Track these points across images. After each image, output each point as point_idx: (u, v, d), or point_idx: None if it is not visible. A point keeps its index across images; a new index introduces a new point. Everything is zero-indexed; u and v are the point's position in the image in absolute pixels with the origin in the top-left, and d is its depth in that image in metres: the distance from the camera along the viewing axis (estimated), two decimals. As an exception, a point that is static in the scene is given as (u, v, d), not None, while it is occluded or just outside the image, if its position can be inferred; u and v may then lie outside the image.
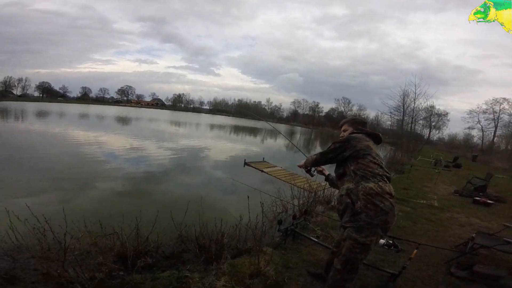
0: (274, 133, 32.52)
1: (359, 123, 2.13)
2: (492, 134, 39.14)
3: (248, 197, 2.79)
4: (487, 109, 39.01)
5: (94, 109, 46.74)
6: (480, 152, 30.53)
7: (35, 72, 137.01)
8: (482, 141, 40.44)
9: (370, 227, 1.69)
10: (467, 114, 40.68)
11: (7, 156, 8.69)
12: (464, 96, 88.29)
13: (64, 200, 5.27)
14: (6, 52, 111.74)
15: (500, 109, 38.04)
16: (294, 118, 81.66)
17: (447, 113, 42.28)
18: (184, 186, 7.43)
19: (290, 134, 37.95)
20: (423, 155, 20.03)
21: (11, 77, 79.38)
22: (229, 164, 11.39)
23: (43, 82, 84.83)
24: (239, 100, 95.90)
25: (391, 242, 2.70)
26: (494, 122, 38.64)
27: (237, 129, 34.93)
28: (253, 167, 10.22)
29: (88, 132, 16.99)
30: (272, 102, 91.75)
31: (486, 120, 39.47)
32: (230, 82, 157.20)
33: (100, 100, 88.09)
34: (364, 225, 1.70)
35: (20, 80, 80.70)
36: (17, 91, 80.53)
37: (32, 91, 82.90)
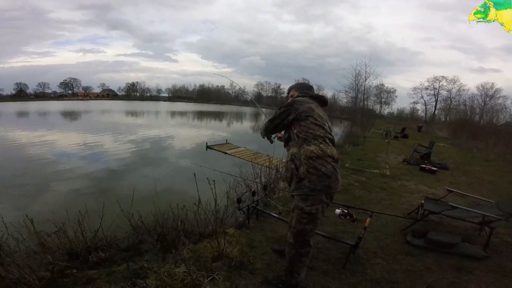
0: (239, 116, 32.11)
1: (304, 87, 2.10)
2: (433, 107, 44.70)
3: (194, 174, 2.65)
4: (428, 86, 44.78)
5: (33, 106, 41.57)
6: (424, 123, 34.13)
7: None
8: (425, 113, 45.83)
9: (314, 194, 1.64)
10: (412, 90, 46.30)
11: None
12: (408, 75, 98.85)
13: (15, 207, 4.97)
14: None
15: (439, 86, 43.67)
16: (258, 100, 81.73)
17: (394, 90, 47.31)
18: (144, 178, 7.14)
19: (256, 116, 37.92)
20: (376, 128, 21.57)
21: None
22: (192, 151, 11.03)
23: None
24: (200, 85, 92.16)
25: (346, 211, 2.71)
26: (435, 97, 44.49)
27: (200, 115, 33.77)
28: (216, 150, 9.97)
29: (30, 131, 15.07)
30: (235, 86, 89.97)
31: (428, 95, 45.30)
32: (190, 67, 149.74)
33: (40, 96, 76.88)
34: (308, 192, 1.65)
35: None
36: None
37: None
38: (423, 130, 25.89)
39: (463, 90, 40.61)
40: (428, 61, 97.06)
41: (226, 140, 11.49)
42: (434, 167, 6.91)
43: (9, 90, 75.98)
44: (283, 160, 5.56)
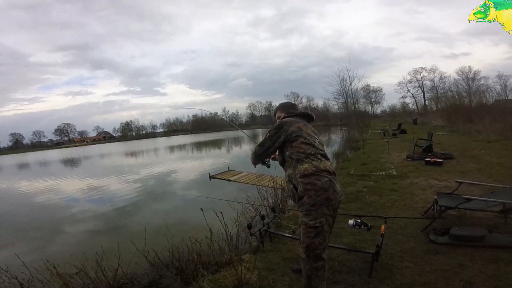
0: (237, 141, 32.34)
1: (288, 107, 2.15)
2: (423, 98, 45.55)
3: (202, 209, 2.74)
4: (411, 79, 46.09)
5: (32, 157, 42.37)
6: (418, 115, 34.49)
7: None
8: (416, 106, 46.53)
9: (315, 209, 1.67)
10: (397, 86, 47.57)
11: None
12: (389, 71, 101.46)
13: (33, 249, 5.21)
14: None
15: (421, 77, 45.01)
16: (253, 121, 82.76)
17: (381, 89, 48.39)
18: (153, 214, 7.16)
19: (253, 137, 38.05)
20: (373, 128, 21.73)
21: None
22: (197, 182, 10.95)
23: None
24: (193, 115, 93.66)
25: (358, 221, 2.64)
26: (421, 89, 45.62)
27: (198, 145, 33.91)
28: (219, 178, 9.89)
29: (34, 181, 15.41)
30: (228, 111, 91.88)
31: (414, 88, 46.58)
32: (180, 99, 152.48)
33: (37, 145, 77.96)
34: (309, 208, 1.68)
35: None
36: None
37: None
38: (419, 122, 26.14)
39: (445, 77, 41.80)
40: (402, 55, 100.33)
41: (228, 167, 11.47)
42: (439, 158, 6.84)
43: (5, 141, 78.15)
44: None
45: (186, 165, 17.16)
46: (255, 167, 2.18)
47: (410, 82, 46.40)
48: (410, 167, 6.61)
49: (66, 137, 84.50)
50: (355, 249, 2.58)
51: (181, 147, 34.67)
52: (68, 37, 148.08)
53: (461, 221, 3.08)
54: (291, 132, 1.83)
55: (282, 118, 2.03)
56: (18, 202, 10.34)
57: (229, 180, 9.40)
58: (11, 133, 79.02)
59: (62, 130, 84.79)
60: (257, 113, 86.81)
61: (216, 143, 34.38)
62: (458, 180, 3.52)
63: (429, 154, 7.66)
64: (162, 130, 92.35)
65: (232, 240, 3.01)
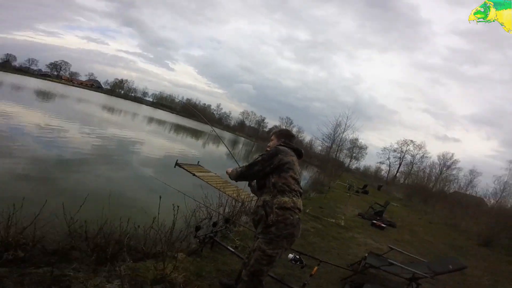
0: (217, 140, 32.11)
1: (287, 136, 2.17)
2: (396, 169, 48.57)
3: (160, 197, 2.50)
4: (396, 148, 49.22)
5: (11, 78, 38.56)
6: (385, 183, 36.71)
7: None
8: (388, 174, 49.50)
9: (278, 240, 1.75)
10: (381, 151, 50.50)
11: None
12: (381, 133, 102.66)
13: None
14: None
15: (406, 150, 48.10)
16: (240, 128, 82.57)
17: (366, 147, 50.85)
18: (99, 178, 6.61)
19: (233, 143, 38.11)
20: (341, 180, 22.71)
21: None
22: (159, 163, 10.66)
23: None
24: (187, 99, 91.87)
25: (298, 257, 2.89)
26: (399, 160, 48.76)
27: (178, 128, 33.13)
28: (185, 169, 9.78)
29: None
30: (222, 108, 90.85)
31: (394, 158, 49.54)
32: (183, 79, 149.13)
33: (24, 70, 71.43)
34: (273, 238, 1.75)
35: None
36: None
37: None
38: (383, 189, 27.79)
39: (426, 157, 44.94)
40: (401, 122, 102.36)
41: (198, 161, 11.36)
42: (384, 224, 7.55)
43: None
44: (251, 195, 5.73)
45: (157, 141, 16.62)
46: (233, 180, 2.15)
47: (395, 151, 49.30)
48: (358, 223, 7.23)
49: (56, 73, 78.83)
50: (283, 282, 2.72)
51: (161, 122, 33.68)
52: None
53: (375, 280, 3.46)
54: (285, 162, 1.88)
55: (277, 145, 2.05)
56: None
57: (194, 175, 9.31)
58: (6, 54, 72.22)
59: (56, 65, 79.20)
60: (247, 122, 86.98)
61: (195, 133, 33.74)
62: (391, 246, 3.97)
63: (378, 218, 8.33)
64: (151, 99, 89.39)
65: (173, 235, 2.77)
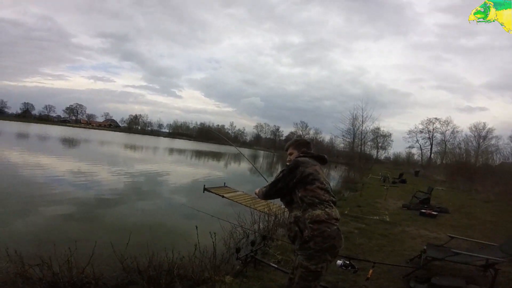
0: (237, 157, 32.51)
1: (303, 144, 2.09)
2: (429, 151, 45.37)
3: (196, 227, 2.73)
4: (423, 129, 45.88)
5: (35, 128, 42.42)
6: (421, 167, 34.39)
7: None
8: (421, 158, 46.29)
9: (319, 254, 1.64)
10: (407, 134, 47.19)
11: None
12: (401, 117, 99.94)
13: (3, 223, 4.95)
14: None
15: (433, 129, 44.91)
16: (257, 142, 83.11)
17: (390, 134, 48.08)
18: (136, 212, 6.92)
19: (254, 158, 38.27)
20: (373, 173, 21.71)
21: None
22: (188, 190, 10.85)
23: None
24: (201, 123, 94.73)
25: (347, 262, 2.65)
26: (430, 141, 45.44)
27: (198, 154, 33.96)
28: (213, 192, 9.82)
29: (26, 153, 15.17)
30: (235, 126, 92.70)
31: (423, 139, 46.14)
32: (192, 104, 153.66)
33: (44, 118, 78.66)
34: (313, 253, 1.64)
35: None
36: None
37: None
38: (420, 175, 26.09)
39: (457, 131, 41.68)
40: (418, 102, 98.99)
41: (224, 183, 11.41)
42: (434, 211, 6.93)
43: (16, 109, 78.53)
44: (282, 207, 5.56)
45: (182, 170, 17.08)
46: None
47: (421, 132, 45.97)
48: (404, 216, 6.68)
49: (74, 117, 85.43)
50: None
51: (181, 151, 34.73)
52: (113, 26, 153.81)
53: (443, 272, 3.14)
54: (308, 174, 1.77)
55: (297, 157, 1.96)
56: (3, 171, 9.92)
57: (223, 197, 9.31)
58: (24, 102, 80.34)
59: (72, 110, 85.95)
60: (263, 135, 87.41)
61: (216, 155, 34.43)
62: (451, 235, 3.63)
63: (425, 206, 7.68)
64: (167, 130, 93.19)
65: (216, 259, 2.97)
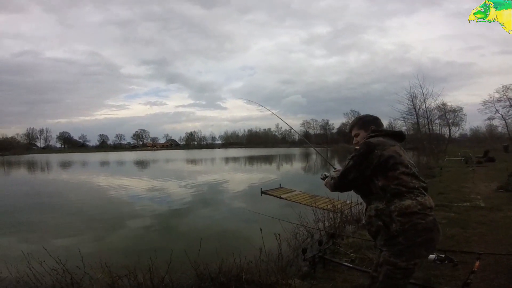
0: (289, 158, 32.15)
1: (370, 121, 1.71)
2: (516, 119, 37.12)
3: (260, 229, 2.81)
4: (500, 97, 37.48)
5: (113, 156, 49.89)
6: (510, 141, 28.36)
7: (56, 122, 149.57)
8: (507, 129, 37.95)
9: (412, 249, 1.37)
10: (482, 105, 39.05)
11: (39, 203, 9.81)
12: (469, 89, 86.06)
13: (95, 239, 5.83)
14: (27, 103, 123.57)
15: None
16: (307, 139, 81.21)
17: (461, 108, 40.67)
18: (204, 220, 7.51)
19: (306, 156, 37.38)
20: (450, 154, 18.78)
21: (33, 128, 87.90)
22: (247, 194, 11.14)
23: (63, 132, 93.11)
24: (248, 130, 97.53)
25: (443, 256, 2.22)
26: None
27: (251, 159, 34.89)
28: (270, 194, 9.80)
29: (109, 177, 18.17)
30: (281, 127, 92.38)
31: (503, 108, 37.63)
32: (238, 113, 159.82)
33: (118, 146, 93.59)
34: (403, 248, 1.37)
35: (41, 131, 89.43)
36: (40, 143, 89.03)
37: (54, 142, 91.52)
38: (511, 149, 21.57)
39: None
40: (484, 70, 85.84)
41: (280, 184, 11.32)
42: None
43: (94, 141, 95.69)
44: (348, 202, 5.16)
45: (239, 177, 17.71)
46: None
47: (499, 101, 37.68)
48: (503, 199, 5.59)
49: (141, 142, 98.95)
50: (432, 286, 2.18)
51: (235, 159, 36.25)
52: (150, 52, 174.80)
53: None
54: (387, 157, 1.44)
55: (366, 138, 1.60)
56: (93, 194, 11.92)
57: (281, 198, 9.21)
58: (100, 134, 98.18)
59: (138, 135, 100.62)
60: (311, 131, 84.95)
61: (267, 159, 34.85)
62: None
63: None
64: (220, 142, 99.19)
65: (282, 261, 2.90)
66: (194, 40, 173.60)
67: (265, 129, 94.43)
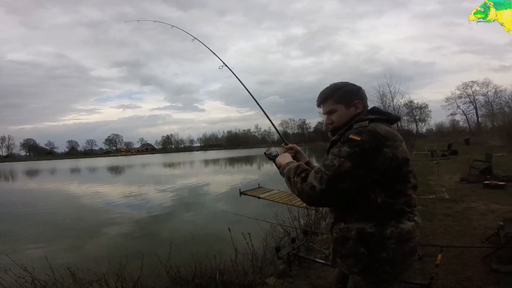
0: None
1: (354, 94, 1.17)
2: (475, 115, 40.65)
3: (229, 229, 2.83)
4: (461, 94, 41.18)
5: (84, 163, 47.25)
6: (470, 134, 30.88)
7: (19, 128, 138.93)
8: (468, 123, 41.52)
9: (396, 276, 1.06)
10: (445, 102, 42.69)
11: (7, 213, 9.30)
12: (432, 86, 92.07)
13: (68, 248, 5.62)
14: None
15: (473, 91, 40.21)
16: (286, 139, 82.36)
17: (426, 105, 43.73)
18: (183, 224, 7.40)
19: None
20: (418, 149, 19.95)
21: (-6, 136, 79.70)
22: (227, 196, 11.06)
23: (28, 139, 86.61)
24: (228, 131, 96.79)
25: None
26: (472, 104, 40.63)
27: (231, 161, 34.66)
28: (249, 195, 9.75)
29: (82, 185, 17.14)
30: (261, 128, 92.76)
31: (464, 104, 41.44)
32: (216, 115, 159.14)
33: (89, 152, 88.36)
34: (387, 277, 1.03)
35: (3, 138, 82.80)
36: (2, 151, 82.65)
37: (18, 150, 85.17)
38: (472, 142, 23.48)
39: (500, 91, 36.77)
40: (446, 69, 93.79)
41: (259, 184, 11.32)
42: (500, 181, 6.03)
43: (63, 147, 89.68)
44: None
45: (218, 179, 17.49)
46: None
47: (460, 97, 41.48)
48: (466, 190, 5.96)
49: (114, 147, 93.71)
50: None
51: (215, 161, 35.74)
52: (123, 54, 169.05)
53: None
54: (401, 162, 1.00)
55: (369, 127, 1.01)
56: (66, 202, 11.32)
57: (259, 197, 9.19)
58: (68, 141, 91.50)
59: (111, 140, 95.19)
60: (289, 131, 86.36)
61: (247, 159, 34.80)
62: None
63: (488, 176, 6.81)
64: (198, 144, 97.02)
65: (258, 261, 2.94)
66: (169, 41, 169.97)
67: (244, 130, 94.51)
